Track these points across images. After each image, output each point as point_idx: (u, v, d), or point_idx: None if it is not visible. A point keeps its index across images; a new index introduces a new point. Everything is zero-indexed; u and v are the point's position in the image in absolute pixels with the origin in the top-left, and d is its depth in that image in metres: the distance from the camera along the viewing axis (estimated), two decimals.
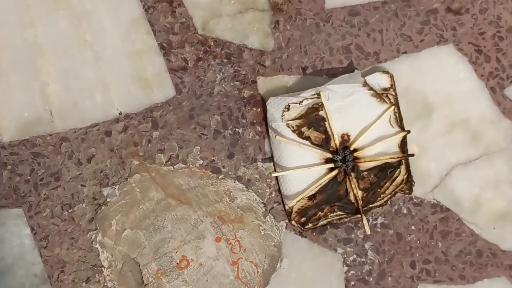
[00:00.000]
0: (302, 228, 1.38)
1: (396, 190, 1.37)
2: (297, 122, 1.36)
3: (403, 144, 1.38)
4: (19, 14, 1.43)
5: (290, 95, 1.39)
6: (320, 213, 1.37)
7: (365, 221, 1.35)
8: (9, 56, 1.42)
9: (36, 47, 1.42)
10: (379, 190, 1.36)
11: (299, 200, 1.35)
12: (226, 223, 1.40)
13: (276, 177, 1.40)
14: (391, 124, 1.37)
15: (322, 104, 1.34)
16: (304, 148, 1.36)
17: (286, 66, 1.44)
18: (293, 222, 1.37)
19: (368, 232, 1.37)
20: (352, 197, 1.36)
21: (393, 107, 1.35)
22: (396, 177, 1.37)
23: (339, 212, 1.37)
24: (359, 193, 1.36)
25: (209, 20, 1.45)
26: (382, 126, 1.37)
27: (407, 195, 1.41)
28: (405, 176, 1.37)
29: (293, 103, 1.36)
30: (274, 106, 1.37)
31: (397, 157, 1.36)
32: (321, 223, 1.38)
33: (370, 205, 1.37)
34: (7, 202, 1.40)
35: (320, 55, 1.44)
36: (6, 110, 1.41)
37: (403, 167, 1.37)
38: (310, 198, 1.36)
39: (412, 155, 1.37)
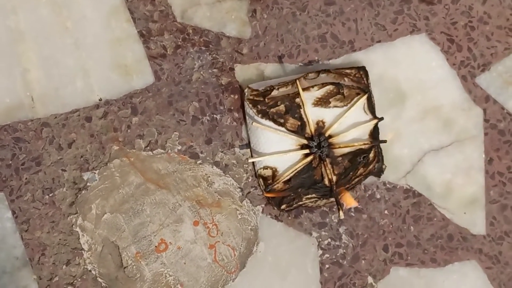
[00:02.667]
0: (278, 206, 1.42)
1: (366, 174, 1.42)
2: (274, 109, 1.40)
3: (376, 131, 1.43)
4: (1, 1, 1.45)
5: (268, 83, 1.43)
6: (295, 196, 1.41)
7: (342, 205, 1.41)
8: None
9: (17, 34, 1.45)
10: (352, 175, 1.41)
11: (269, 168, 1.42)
12: (204, 207, 1.44)
13: (253, 162, 1.44)
14: (365, 111, 1.42)
15: (298, 91, 1.39)
16: (280, 135, 1.40)
17: (263, 54, 1.48)
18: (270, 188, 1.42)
19: (342, 217, 1.41)
20: (326, 182, 1.40)
21: (366, 95, 1.40)
22: (369, 162, 1.42)
23: (313, 195, 1.41)
24: (334, 178, 1.40)
25: (188, 8, 1.48)
26: (356, 113, 1.42)
27: (380, 181, 1.46)
28: (374, 161, 1.42)
29: (270, 90, 1.40)
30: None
31: (370, 143, 1.41)
32: (295, 205, 1.42)
33: (345, 189, 1.42)
34: None
35: (296, 44, 1.48)
36: None
37: (373, 152, 1.42)
38: (286, 182, 1.41)
39: (385, 141, 1.42)
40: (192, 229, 1.43)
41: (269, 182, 1.41)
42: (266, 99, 1.40)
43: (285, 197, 1.41)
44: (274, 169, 1.42)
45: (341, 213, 1.40)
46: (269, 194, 1.42)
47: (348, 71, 1.42)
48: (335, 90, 1.39)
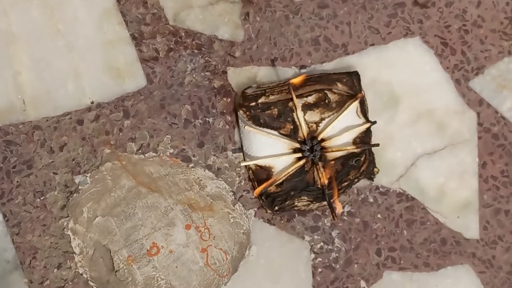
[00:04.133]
0: (271, 208, 1.45)
1: (358, 177, 1.45)
2: (267, 113, 1.42)
3: (368, 135, 1.46)
4: None
5: (261, 87, 1.45)
6: (288, 199, 1.44)
7: (334, 208, 1.43)
8: None
9: (9, 36, 1.47)
10: (345, 178, 1.44)
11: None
12: (196, 211, 1.45)
13: (246, 166, 1.47)
14: (358, 115, 1.44)
15: (291, 96, 1.41)
16: (272, 138, 1.43)
17: (256, 57, 1.50)
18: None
19: (335, 220, 1.44)
20: (319, 185, 1.43)
21: (359, 99, 1.43)
22: (361, 166, 1.45)
23: (306, 198, 1.44)
24: (326, 182, 1.43)
25: (180, 11, 1.50)
26: (348, 117, 1.44)
27: (373, 184, 1.49)
28: (365, 165, 1.45)
29: (264, 94, 1.43)
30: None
31: (362, 147, 1.44)
32: (287, 207, 1.44)
33: (338, 193, 1.44)
34: None
35: (289, 47, 1.51)
36: None
37: (366, 156, 1.45)
38: (278, 185, 1.44)
39: (377, 145, 1.44)
40: (184, 233, 1.45)
41: (262, 182, 1.45)
42: (258, 103, 1.43)
43: (277, 198, 1.44)
44: (269, 168, 1.45)
45: (335, 215, 1.43)
46: (258, 190, 1.45)
47: (339, 76, 1.45)
48: (324, 97, 1.42)
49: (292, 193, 1.44)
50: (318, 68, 1.52)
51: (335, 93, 1.44)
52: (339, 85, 1.45)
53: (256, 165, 1.45)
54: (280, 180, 1.44)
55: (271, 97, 1.44)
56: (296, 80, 1.43)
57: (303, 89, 1.44)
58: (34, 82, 1.47)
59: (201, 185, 1.48)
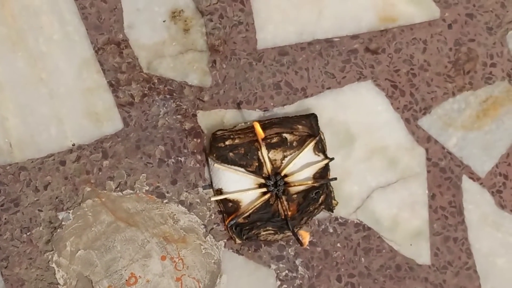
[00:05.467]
0: (240, 237, 1.54)
1: (318, 209, 1.56)
2: (234, 152, 1.54)
3: (327, 170, 1.58)
4: None
5: (229, 130, 1.56)
6: (254, 229, 1.55)
7: (301, 235, 1.53)
8: None
9: None
10: (306, 210, 1.56)
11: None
12: (171, 243, 1.52)
13: (216, 200, 1.57)
14: (315, 153, 1.56)
15: (256, 137, 1.53)
16: (239, 175, 1.54)
17: (223, 101, 1.58)
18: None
19: (303, 246, 1.53)
20: (283, 216, 1.55)
21: (316, 139, 1.55)
22: (320, 198, 1.56)
23: (270, 228, 1.55)
24: (289, 213, 1.55)
25: (153, 60, 1.58)
26: (308, 154, 1.56)
27: (332, 216, 1.59)
28: (322, 198, 1.56)
29: (231, 136, 1.54)
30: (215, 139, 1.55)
31: (322, 181, 1.56)
32: (254, 237, 1.55)
33: (300, 223, 1.56)
34: None
35: (253, 91, 1.59)
36: None
37: (324, 189, 1.56)
38: (246, 217, 1.55)
39: (335, 179, 1.55)
40: (159, 264, 1.52)
41: (231, 215, 1.55)
42: (227, 145, 1.54)
43: (244, 228, 1.55)
44: (237, 202, 1.56)
45: (306, 240, 1.54)
46: (228, 220, 1.54)
47: (299, 119, 1.57)
48: (284, 138, 1.55)
49: (258, 223, 1.55)
50: (280, 110, 1.62)
51: (295, 134, 1.56)
52: (299, 126, 1.57)
53: (226, 199, 1.56)
54: (248, 213, 1.55)
55: (238, 139, 1.55)
56: (258, 127, 1.54)
57: (266, 132, 1.56)
58: (20, 127, 1.53)
59: (174, 219, 1.54)
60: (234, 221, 1.54)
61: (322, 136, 1.59)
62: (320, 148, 1.58)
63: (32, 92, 1.55)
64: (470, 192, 1.62)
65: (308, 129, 1.58)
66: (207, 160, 1.57)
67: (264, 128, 1.56)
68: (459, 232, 1.62)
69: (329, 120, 1.59)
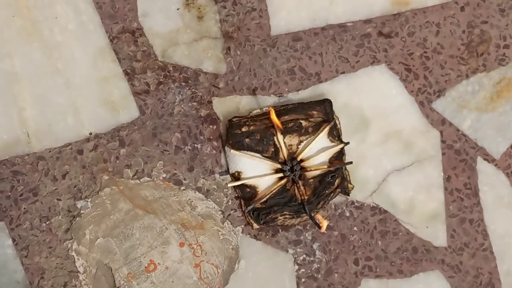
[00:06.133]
0: (258, 222, 1.55)
1: (334, 192, 1.57)
2: (250, 137, 1.55)
3: (342, 154, 1.59)
4: None
5: (245, 116, 1.57)
6: (271, 214, 1.56)
7: (318, 220, 1.54)
8: None
9: (13, 76, 1.55)
10: (322, 194, 1.57)
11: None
12: (189, 230, 1.53)
13: (233, 186, 1.58)
14: (330, 138, 1.57)
15: (272, 122, 1.54)
16: (256, 160, 1.55)
17: (238, 87, 1.59)
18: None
19: (321, 230, 1.54)
20: (299, 201, 1.56)
21: (330, 124, 1.56)
22: (336, 182, 1.57)
23: (287, 213, 1.56)
24: (306, 198, 1.56)
25: (168, 48, 1.58)
26: (324, 139, 1.57)
27: (349, 200, 1.60)
28: (338, 181, 1.57)
29: (248, 122, 1.56)
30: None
31: (337, 165, 1.57)
32: (272, 223, 1.56)
33: (316, 207, 1.58)
34: None
35: (268, 77, 1.59)
36: None
37: (339, 173, 1.57)
38: (263, 202, 1.56)
39: (350, 162, 1.57)
40: (178, 250, 1.52)
41: (248, 200, 1.57)
42: (242, 131, 1.56)
43: (262, 212, 1.56)
44: (254, 188, 1.58)
45: (324, 224, 1.54)
46: (247, 206, 1.56)
47: (314, 105, 1.58)
48: (299, 124, 1.57)
49: (275, 208, 1.56)
50: (295, 95, 1.63)
51: (310, 120, 1.58)
52: (314, 112, 1.58)
53: (243, 185, 1.57)
54: (265, 198, 1.56)
55: (254, 125, 1.57)
56: (273, 114, 1.55)
57: (282, 118, 1.57)
58: (37, 117, 1.54)
59: (192, 206, 1.55)
60: (252, 206, 1.56)
61: (337, 120, 1.61)
62: (335, 133, 1.59)
63: (48, 82, 1.56)
64: (485, 174, 1.63)
65: (323, 115, 1.59)
66: (223, 146, 1.58)
67: (279, 114, 1.58)
68: (475, 213, 1.63)
69: (343, 105, 1.60)
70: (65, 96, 1.56)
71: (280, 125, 1.55)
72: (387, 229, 1.58)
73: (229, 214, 1.57)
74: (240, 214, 1.58)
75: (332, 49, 1.61)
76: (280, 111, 1.58)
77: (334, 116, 1.59)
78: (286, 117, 1.58)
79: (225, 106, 1.59)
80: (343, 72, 1.61)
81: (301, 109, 1.59)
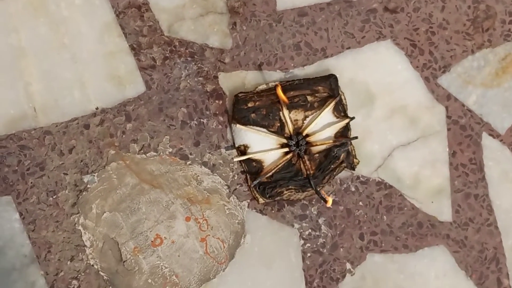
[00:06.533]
0: (264, 196, 1.55)
1: (339, 167, 1.58)
2: (256, 112, 1.56)
3: (348, 129, 1.59)
4: (3, 21, 1.55)
5: (251, 92, 1.57)
6: (277, 188, 1.57)
7: (323, 196, 1.55)
8: None
9: (19, 50, 1.55)
10: (328, 168, 1.58)
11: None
12: (195, 204, 1.53)
13: (239, 160, 1.59)
14: (336, 113, 1.58)
15: (278, 97, 1.55)
16: (261, 135, 1.56)
17: (244, 62, 1.59)
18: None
19: (330, 204, 1.55)
20: (305, 175, 1.56)
21: (336, 100, 1.57)
22: (342, 157, 1.58)
23: (293, 187, 1.57)
24: (311, 172, 1.56)
25: (174, 23, 1.59)
26: (329, 114, 1.58)
27: (354, 175, 1.61)
28: (343, 156, 1.58)
29: (253, 97, 1.56)
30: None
31: (343, 140, 1.58)
32: (277, 196, 1.57)
33: (322, 182, 1.58)
34: None
35: (273, 52, 1.60)
36: None
37: (345, 147, 1.58)
38: (269, 176, 1.57)
39: (356, 137, 1.57)
40: (184, 225, 1.53)
41: (254, 175, 1.58)
42: (248, 106, 1.57)
43: (267, 186, 1.57)
44: (260, 162, 1.58)
45: (330, 200, 1.55)
46: (254, 181, 1.57)
47: (319, 80, 1.59)
48: (305, 99, 1.58)
49: (281, 182, 1.57)
50: (300, 71, 1.63)
51: (316, 96, 1.59)
52: (320, 88, 1.59)
53: (249, 160, 1.58)
54: (271, 173, 1.57)
55: (260, 100, 1.58)
56: (279, 89, 1.56)
57: (288, 94, 1.58)
58: (43, 92, 1.55)
59: (198, 181, 1.56)
60: (258, 180, 1.57)
61: (342, 96, 1.61)
62: (341, 108, 1.60)
63: (55, 57, 1.57)
64: (490, 149, 1.64)
65: (328, 90, 1.60)
66: (229, 121, 1.59)
67: (285, 90, 1.59)
68: (480, 188, 1.64)
69: (349, 80, 1.61)
70: (72, 71, 1.57)
71: (286, 100, 1.55)
72: (392, 204, 1.59)
73: (235, 189, 1.58)
74: (246, 189, 1.59)
75: (338, 24, 1.62)
76: (286, 86, 1.59)
77: (340, 92, 1.60)
78: (292, 92, 1.59)
79: (231, 81, 1.59)
80: (349, 48, 1.61)
81: (306, 85, 1.60)
